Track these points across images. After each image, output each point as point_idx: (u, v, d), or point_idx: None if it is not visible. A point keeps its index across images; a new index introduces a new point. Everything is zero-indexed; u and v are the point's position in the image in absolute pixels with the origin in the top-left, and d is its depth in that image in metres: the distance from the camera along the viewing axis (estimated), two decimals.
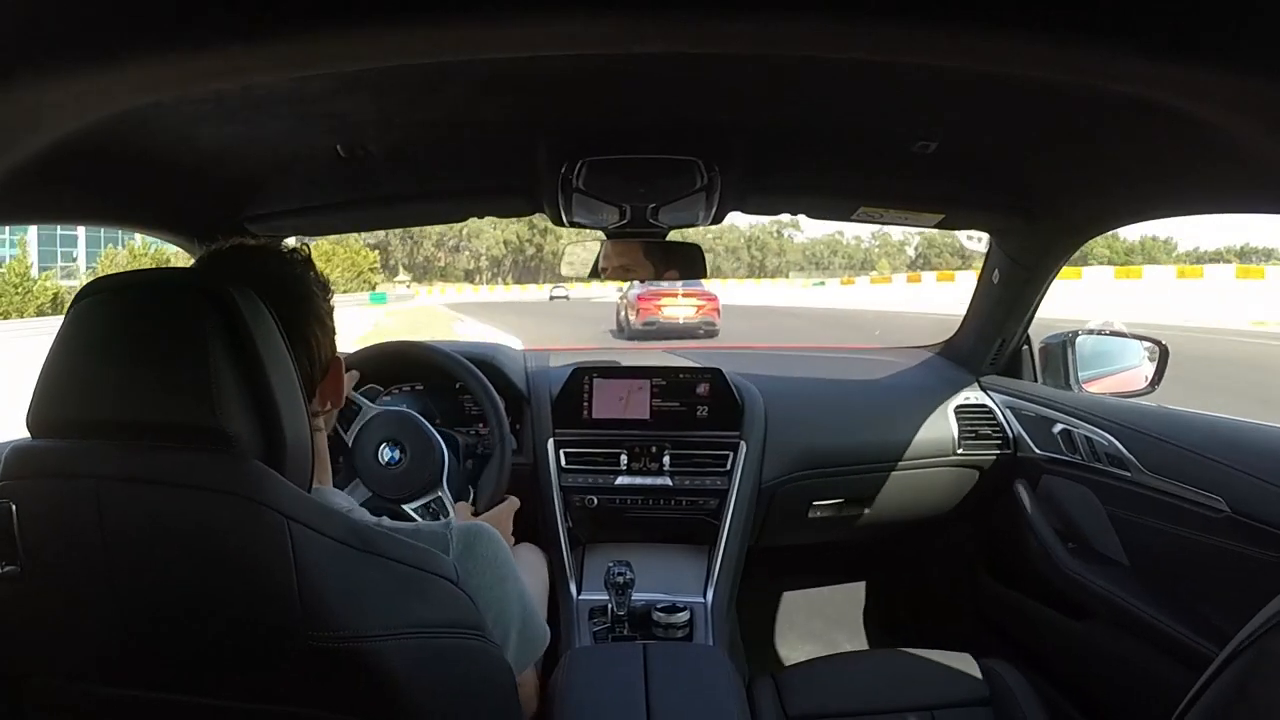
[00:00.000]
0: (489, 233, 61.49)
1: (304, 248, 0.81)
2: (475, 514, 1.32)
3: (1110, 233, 1.54)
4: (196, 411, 0.58)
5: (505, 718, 0.75)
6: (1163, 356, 1.69)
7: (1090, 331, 1.79)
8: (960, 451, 1.78)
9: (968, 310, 1.92)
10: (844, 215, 1.56)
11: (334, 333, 0.80)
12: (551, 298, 32.40)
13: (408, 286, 46.91)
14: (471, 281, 61.65)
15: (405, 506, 1.39)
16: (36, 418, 0.62)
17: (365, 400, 1.45)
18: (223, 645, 0.59)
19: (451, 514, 1.35)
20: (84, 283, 0.65)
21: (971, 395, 1.84)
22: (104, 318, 0.62)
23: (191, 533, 0.58)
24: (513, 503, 1.34)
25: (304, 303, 0.76)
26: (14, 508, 0.59)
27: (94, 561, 0.58)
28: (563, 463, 1.69)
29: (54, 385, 0.62)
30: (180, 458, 0.59)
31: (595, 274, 1.61)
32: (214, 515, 0.58)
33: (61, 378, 0.62)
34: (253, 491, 0.58)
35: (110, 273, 0.72)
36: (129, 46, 0.51)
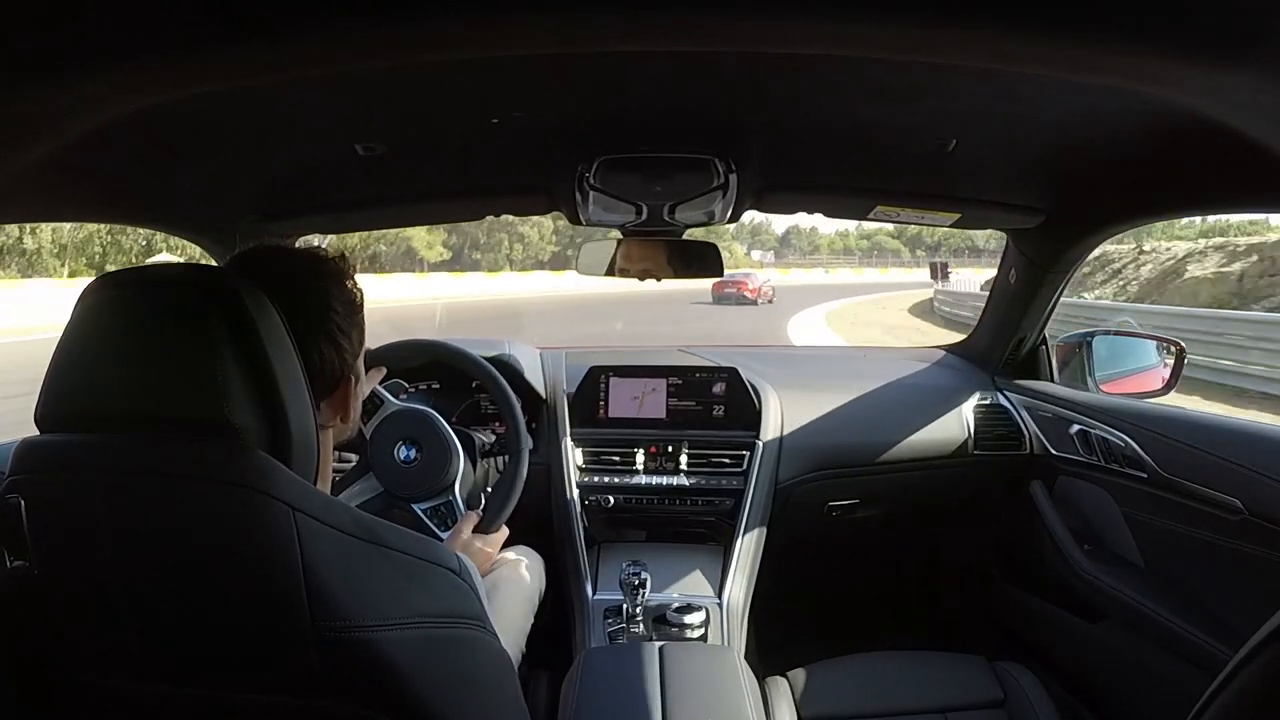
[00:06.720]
0: None
1: (340, 258, 0.81)
2: (480, 527, 1.33)
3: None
4: (203, 404, 0.58)
5: (509, 708, 0.75)
6: (1179, 358, 1.67)
7: (1107, 332, 1.78)
8: (976, 452, 1.77)
9: (984, 310, 1.91)
10: (861, 214, 1.56)
11: (351, 353, 0.80)
12: None
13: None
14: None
15: (415, 506, 1.40)
16: (45, 412, 0.63)
17: (389, 395, 1.46)
18: (231, 637, 0.59)
19: (460, 516, 1.36)
20: None
21: (988, 395, 1.83)
22: (111, 312, 0.62)
23: (198, 524, 0.58)
24: (504, 533, 1.36)
25: (317, 317, 0.75)
26: (23, 503, 0.59)
27: (102, 555, 0.58)
28: (580, 462, 1.69)
29: (62, 379, 0.62)
30: (187, 450, 0.59)
31: (611, 272, 1.60)
32: (221, 507, 0.58)
33: (69, 372, 0.62)
34: (259, 483, 0.58)
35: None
36: (145, 46, 0.51)
